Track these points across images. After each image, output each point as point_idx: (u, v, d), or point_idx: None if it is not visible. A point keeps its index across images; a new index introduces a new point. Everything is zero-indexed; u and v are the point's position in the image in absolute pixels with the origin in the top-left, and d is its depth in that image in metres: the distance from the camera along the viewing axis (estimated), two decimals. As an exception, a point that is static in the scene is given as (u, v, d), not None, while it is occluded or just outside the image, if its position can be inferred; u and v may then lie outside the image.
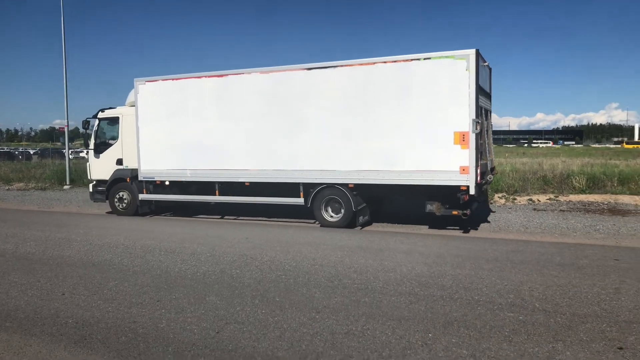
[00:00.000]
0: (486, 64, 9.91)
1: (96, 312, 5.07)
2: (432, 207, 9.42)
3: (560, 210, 12.04)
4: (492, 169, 11.07)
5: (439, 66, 8.97)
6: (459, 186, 8.94)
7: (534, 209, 11.96)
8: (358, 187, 9.98)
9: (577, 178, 15.15)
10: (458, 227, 9.96)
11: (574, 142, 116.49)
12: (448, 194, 9.22)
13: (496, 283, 5.78)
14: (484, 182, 9.87)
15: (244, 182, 10.98)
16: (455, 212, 9.27)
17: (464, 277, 6.04)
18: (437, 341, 4.13)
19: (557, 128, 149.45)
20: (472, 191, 8.85)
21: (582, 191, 14.43)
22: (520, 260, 6.96)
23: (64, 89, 21.47)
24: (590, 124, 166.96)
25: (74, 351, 4.15)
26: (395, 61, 9.38)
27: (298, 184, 10.48)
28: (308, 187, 10.41)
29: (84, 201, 16.98)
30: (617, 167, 18.39)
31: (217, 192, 11.43)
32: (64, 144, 22.57)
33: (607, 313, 4.71)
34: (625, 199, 13.02)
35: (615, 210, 11.74)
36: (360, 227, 10.21)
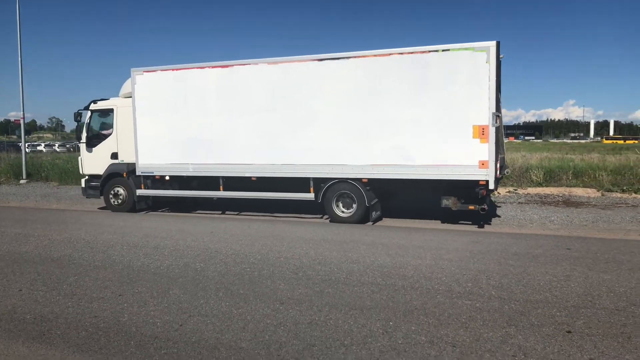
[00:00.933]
0: (501, 56, 9.46)
1: (55, 307, 4.97)
2: (448, 202, 9.28)
3: (519, 202, 12.49)
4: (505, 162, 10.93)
5: (458, 58, 8.75)
6: (478, 181, 8.80)
7: (494, 202, 12.34)
8: (372, 182, 9.72)
9: (535, 172, 15.74)
10: (466, 221, 10.17)
11: (534, 137, 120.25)
12: (464, 188, 9.08)
13: (455, 272, 5.98)
14: (501, 176, 9.74)
15: (250, 177, 10.58)
16: (471, 207, 9.14)
17: (425, 267, 6.21)
18: (397, 329, 4.26)
19: (519, 123, 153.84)
20: (491, 185, 8.73)
21: (540, 184, 15.01)
22: (479, 250, 7.20)
23: (20, 80, 20.70)
24: (549, 119, 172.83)
25: (32, 347, 4.07)
26: (412, 52, 9.10)
27: (308, 178, 10.16)
28: (319, 182, 10.12)
29: (41, 196, 16.50)
30: (573, 161, 19.16)
31: (221, 187, 11.00)
32: (20, 137, 21.74)
33: (558, 299, 4.95)
34: (579, 192, 13.61)
35: (569, 202, 12.25)
36: (372, 223, 9.99)
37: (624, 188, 13.58)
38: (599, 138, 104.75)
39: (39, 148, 56.57)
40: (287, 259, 6.77)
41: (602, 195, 13.17)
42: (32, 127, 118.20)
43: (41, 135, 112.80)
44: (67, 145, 60.95)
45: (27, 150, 22.29)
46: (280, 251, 7.29)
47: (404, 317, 4.52)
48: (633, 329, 4.17)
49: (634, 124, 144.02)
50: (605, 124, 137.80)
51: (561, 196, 13.23)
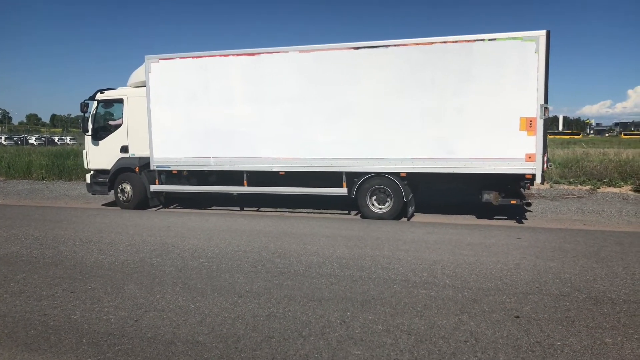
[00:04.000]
0: None
1: (2, 306, 4.77)
2: (489, 196, 9.05)
3: (473, 194, 12.84)
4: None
5: (505, 48, 8.45)
6: (524, 174, 8.59)
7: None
8: (410, 176, 9.35)
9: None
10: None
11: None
12: (505, 182, 8.94)
13: (411, 262, 6.12)
14: (546, 169, 9.46)
15: (277, 172, 10.08)
16: (514, 202, 8.97)
17: (382, 258, 6.32)
18: (354, 319, 4.32)
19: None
20: (538, 179, 8.53)
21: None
22: (434, 240, 7.39)
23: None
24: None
25: (-24, 348, 3.90)
26: (456, 41, 8.72)
27: (341, 173, 9.74)
28: (352, 177, 9.70)
29: (-13, 191, 15.71)
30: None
31: (245, 182, 10.47)
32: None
33: (508, 286, 5.15)
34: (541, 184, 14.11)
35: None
36: (407, 219, 9.59)
37: (571, 180, 14.22)
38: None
39: None
40: (246, 253, 6.74)
41: (551, 187, 13.74)
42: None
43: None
44: (15, 138, 58.27)
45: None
46: (238, 244, 7.24)
47: (361, 306, 4.59)
48: (576, 313, 4.40)
49: (581, 119, 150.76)
50: (555, 119, 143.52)
51: (513, 188, 13.70)
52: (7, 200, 13.54)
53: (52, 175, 18.67)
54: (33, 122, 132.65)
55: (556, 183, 14.13)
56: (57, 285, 5.37)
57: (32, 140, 58.80)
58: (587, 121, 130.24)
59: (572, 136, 77.89)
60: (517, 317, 4.31)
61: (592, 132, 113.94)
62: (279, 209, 11.15)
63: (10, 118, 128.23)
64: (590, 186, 13.46)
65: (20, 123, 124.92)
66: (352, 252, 6.68)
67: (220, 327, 4.18)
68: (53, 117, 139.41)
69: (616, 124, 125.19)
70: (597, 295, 4.86)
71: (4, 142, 52.48)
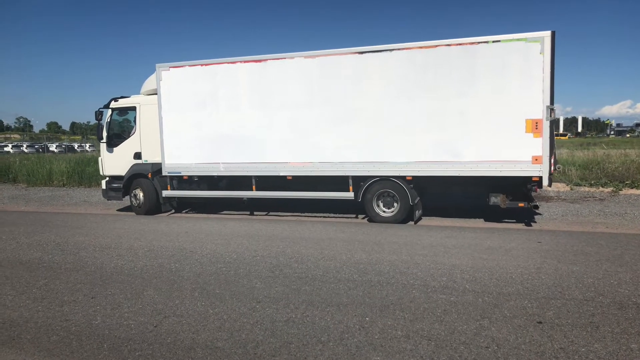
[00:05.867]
0: None
1: (25, 311, 4.84)
2: (496, 199, 9.00)
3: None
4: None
5: (510, 49, 8.40)
6: (531, 177, 8.53)
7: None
8: (416, 179, 9.38)
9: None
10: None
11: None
12: (514, 185, 8.88)
13: (430, 267, 6.05)
14: (554, 171, 9.44)
15: (285, 176, 10.21)
16: (521, 205, 8.87)
17: (400, 263, 6.27)
18: (373, 324, 4.29)
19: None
20: (545, 182, 8.46)
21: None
22: (453, 245, 7.31)
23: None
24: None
25: (2, 352, 3.96)
26: (460, 44, 8.71)
27: (347, 177, 9.80)
28: (358, 181, 9.76)
29: (9, 198, 16.06)
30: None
31: (253, 187, 10.60)
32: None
33: (529, 291, 5.06)
34: (549, 187, 13.91)
35: (539, 197, 12.52)
36: (414, 223, 9.59)
37: (592, 182, 13.97)
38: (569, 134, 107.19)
39: (6, 149, 55.01)
40: (264, 258, 6.75)
41: (571, 189, 13.52)
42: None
43: (8, 135, 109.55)
44: (36, 146, 59.48)
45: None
46: (256, 250, 7.25)
47: (380, 312, 4.55)
48: (601, 318, 4.30)
49: (601, 119, 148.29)
50: (574, 120, 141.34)
51: (532, 191, 13.51)
52: (29, 207, 13.79)
53: (72, 182, 19.00)
54: (53, 130, 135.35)
55: (577, 185, 13.89)
56: (79, 291, 5.44)
57: (52, 147, 60.01)
58: (607, 122, 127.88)
59: (557, 137, 76.64)
60: (540, 322, 4.23)
61: (612, 132, 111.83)
62: (287, 213, 11.17)
63: (31, 126, 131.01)
64: (612, 188, 13.20)
65: (41, 131, 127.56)
66: (370, 257, 6.64)
67: (239, 333, 4.18)
68: (73, 124, 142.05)
69: (637, 124, 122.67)
70: (622, 299, 4.75)
71: (26, 150, 53.58)
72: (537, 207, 8.87)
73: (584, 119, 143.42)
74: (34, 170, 20.33)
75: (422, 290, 5.17)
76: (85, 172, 19.37)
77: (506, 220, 9.63)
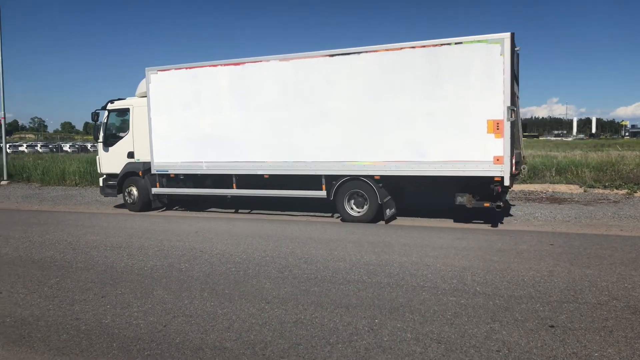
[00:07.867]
0: (517, 49, 9.22)
1: (36, 310, 4.88)
2: (462, 199, 9.11)
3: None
4: (522, 159, 10.79)
5: (471, 51, 8.53)
6: (493, 177, 8.58)
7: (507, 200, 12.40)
8: (384, 179, 9.54)
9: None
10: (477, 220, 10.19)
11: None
12: (479, 185, 8.92)
13: (440, 269, 6.00)
14: (517, 172, 9.58)
15: (262, 175, 10.54)
16: (486, 204, 8.94)
17: (410, 265, 6.23)
18: (383, 326, 4.26)
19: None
20: (506, 182, 8.52)
21: (524, 181, 15.14)
22: (464, 247, 7.24)
23: (0, 79, 20.29)
24: (533, 117, 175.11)
25: (13, 350, 3.99)
26: (424, 46, 8.89)
27: (320, 176, 10.03)
28: (331, 180, 9.99)
29: (23, 197, 16.24)
30: (556, 158, 19.39)
31: (234, 185, 10.99)
32: (0, 137, 21.34)
33: (541, 294, 4.99)
34: (562, 188, 13.77)
35: (552, 199, 12.40)
36: (385, 222, 9.72)
37: (606, 184, 13.78)
38: (582, 135, 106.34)
39: (20, 149, 55.76)
40: (273, 258, 6.74)
41: (585, 191, 13.35)
42: (13, 128, 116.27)
43: (23, 135, 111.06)
44: (50, 146, 60.19)
45: (8, 150, 21.89)
46: (265, 250, 7.25)
47: (389, 314, 4.52)
48: (615, 322, 4.22)
49: (616, 121, 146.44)
50: (588, 121, 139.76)
51: (545, 193, 13.38)
52: (42, 206, 13.95)
53: (85, 181, 19.18)
54: (67, 130, 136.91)
55: (590, 187, 13.71)
56: (89, 290, 5.47)
57: (66, 147, 60.78)
58: (622, 123, 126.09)
59: (534, 138, 76.71)
60: (552, 326, 4.17)
61: (627, 134, 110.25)
62: (267, 212, 11.56)
63: (45, 126, 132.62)
64: (626, 190, 13.00)
65: (55, 131, 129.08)
66: (380, 258, 6.60)
67: (247, 334, 4.17)
68: (86, 124, 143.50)
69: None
70: (636, 304, 4.66)
71: (40, 150, 54.26)
72: (500, 207, 8.97)
73: (598, 120, 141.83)
74: (48, 170, 20.56)
75: (432, 292, 5.12)
76: (97, 172, 19.50)
77: (475, 221, 9.70)
